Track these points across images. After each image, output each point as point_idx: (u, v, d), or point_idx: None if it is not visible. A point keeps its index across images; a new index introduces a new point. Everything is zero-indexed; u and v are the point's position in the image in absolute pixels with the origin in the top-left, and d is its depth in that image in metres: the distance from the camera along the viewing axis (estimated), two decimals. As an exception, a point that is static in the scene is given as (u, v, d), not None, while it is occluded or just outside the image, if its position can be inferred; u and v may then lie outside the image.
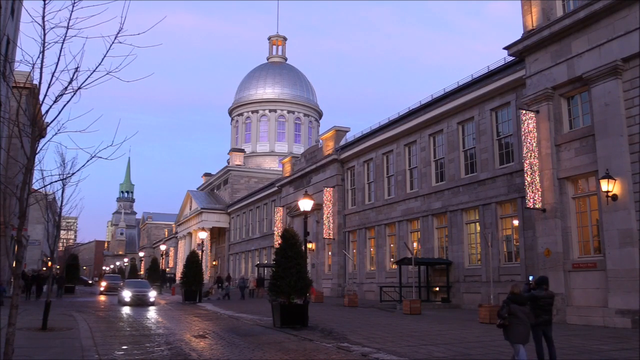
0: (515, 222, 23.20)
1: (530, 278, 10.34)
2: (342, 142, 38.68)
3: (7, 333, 7.99)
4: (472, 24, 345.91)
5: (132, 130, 10.93)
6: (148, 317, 22.56)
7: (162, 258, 69.02)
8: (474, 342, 13.52)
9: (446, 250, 27.46)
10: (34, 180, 13.60)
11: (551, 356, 9.45)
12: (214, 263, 71.63)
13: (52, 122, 8.49)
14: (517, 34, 20.59)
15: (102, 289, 47.32)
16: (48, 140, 9.56)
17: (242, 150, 71.98)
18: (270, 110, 74.46)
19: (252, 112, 75.12)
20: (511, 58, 22.45)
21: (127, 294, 29.07)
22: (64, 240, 75.79)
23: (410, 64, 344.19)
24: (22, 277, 31.21)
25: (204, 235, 48.16)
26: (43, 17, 7.93)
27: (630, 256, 15.76)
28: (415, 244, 29.84)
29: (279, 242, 18.64)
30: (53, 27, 7.99)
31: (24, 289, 32.12)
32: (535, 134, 19.55)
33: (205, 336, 15.48)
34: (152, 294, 30.04)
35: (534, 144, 19.53)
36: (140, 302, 28.63)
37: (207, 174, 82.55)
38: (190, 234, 74.11)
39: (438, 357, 11.45)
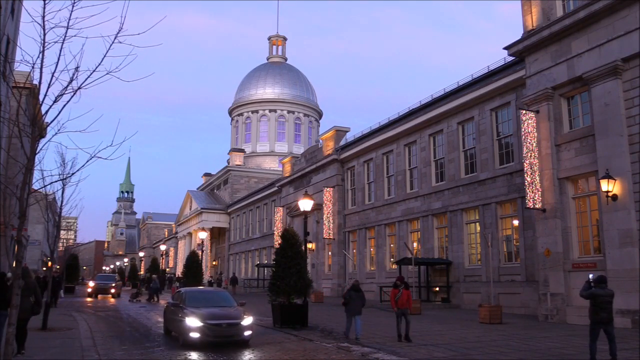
0: (515, 222, 23.20)
1: (590, 276, 10.44)
2: (342, 142, 38.68)
3: (7, 333, 7.99)
4: (482, 25, 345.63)
5: (132, 130, 10.93)
6: (147, 317, 22.55)
7: (162, 258, 68.94)
8: (474, 342, 13.52)
9: (446, 250, 27.46)
10: (34, 180, 13.60)
11: (611, 352, 9.85)
12: (214, 263, 71.64)
13: (52, 122, 8.46)
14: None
15: (89, 290, 41.16)
16: (48, 140, 9.56)
17: (242, 150, 71.96)
18: (270, 110, 74.46)
19: (252, 112, 75.12)
20: (511, 58, 22.44)
21: (194, 323, 12.95)
22: (64, 240, 75.64)
23: (416, 64, 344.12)
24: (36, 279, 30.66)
25: (204, 235, 48.10)
26: (43, 17, 7.91)
27: (630, 256, 15.77)
28: (415, 244, 29.84)
29: (279, 242, 18.64)
30: (53, 27, 7.97)
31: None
32: (535, 134, 19.55)
33: (205, 336, 15.45)
34: (247, 322, 13.48)
35: (534, 144, 19.53)
36: (223, 340, 13.19)
37: (207, 174, 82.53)
38: (190, 234, 74.11)
39: (438, 357, 11.45)
